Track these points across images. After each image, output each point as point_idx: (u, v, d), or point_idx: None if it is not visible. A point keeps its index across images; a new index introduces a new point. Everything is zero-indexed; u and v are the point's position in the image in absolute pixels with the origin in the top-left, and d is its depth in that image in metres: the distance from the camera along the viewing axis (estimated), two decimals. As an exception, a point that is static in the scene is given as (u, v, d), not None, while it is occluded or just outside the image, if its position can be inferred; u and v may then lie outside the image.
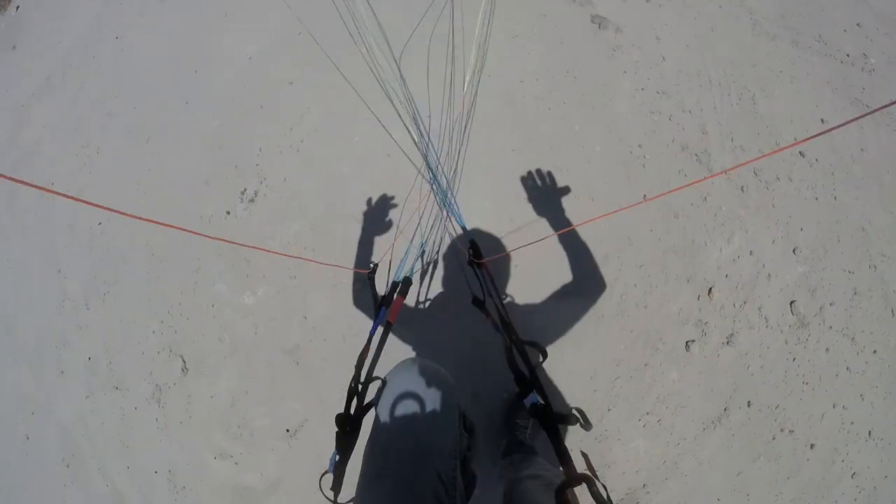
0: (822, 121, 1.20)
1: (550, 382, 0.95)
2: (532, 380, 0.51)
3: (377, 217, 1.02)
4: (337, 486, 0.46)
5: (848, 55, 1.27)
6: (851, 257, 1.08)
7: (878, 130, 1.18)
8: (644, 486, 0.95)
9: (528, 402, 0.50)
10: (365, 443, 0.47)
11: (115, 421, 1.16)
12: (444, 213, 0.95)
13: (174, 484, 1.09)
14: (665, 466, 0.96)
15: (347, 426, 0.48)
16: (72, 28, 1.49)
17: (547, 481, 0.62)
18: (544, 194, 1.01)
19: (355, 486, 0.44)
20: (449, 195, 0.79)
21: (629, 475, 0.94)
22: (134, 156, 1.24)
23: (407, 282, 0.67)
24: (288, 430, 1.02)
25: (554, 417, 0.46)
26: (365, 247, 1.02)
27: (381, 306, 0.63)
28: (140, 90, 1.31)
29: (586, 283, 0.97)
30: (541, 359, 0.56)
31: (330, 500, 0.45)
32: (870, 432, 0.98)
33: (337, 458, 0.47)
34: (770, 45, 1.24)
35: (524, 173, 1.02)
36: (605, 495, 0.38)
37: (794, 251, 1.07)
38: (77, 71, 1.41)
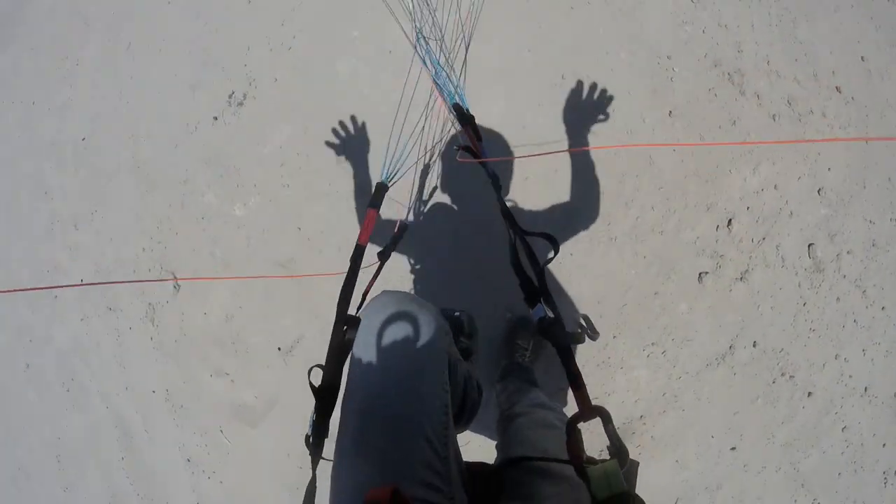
0: (862, 58, 1.05)
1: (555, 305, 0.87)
2: (541, 286, 0.42)
3: (361, 139, 0.88)
4: (317, 451, 0.37)
5: (897, -9, 1.10)
6: (875, 207, 0.98)
7: (921, 75, 1.04)
8: (641, 416, 0.90)
9: (535, 314, 0.41)
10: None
11: (110, 342, 1.11)
12: (437, 97, 0.77)
13: (172, 403, 1.05)
14: (664, 399, 0.90)
15: (324, 382, 0.38)
16: (45, -72, 1.30)
17: (539, 419, 0.56)
18: (581, 110, 0.88)
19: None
20: (453, 87, 0.65)
21: (628, 405, 0.89)
22: (115, 64, 1.11)
23: (380, 189, 0.53)
24: (280, 349, 0.96)
25: (566, 336, 0.37)
26: (360, 168, 0.89)
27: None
28: (118, -8, 1.15)
29: (584, 209, 0.86)
30: (551, 255, 0.46)
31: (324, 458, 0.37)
32: (866, 388, 0.93)
33: (314, 417, 0.38)
34: (818, -36, 1.06)
35: (556, 81, 0.88)
36: (617, 434, 0.31)
37: (818, 191, 0.97)
38: (52, -25, 1.24)
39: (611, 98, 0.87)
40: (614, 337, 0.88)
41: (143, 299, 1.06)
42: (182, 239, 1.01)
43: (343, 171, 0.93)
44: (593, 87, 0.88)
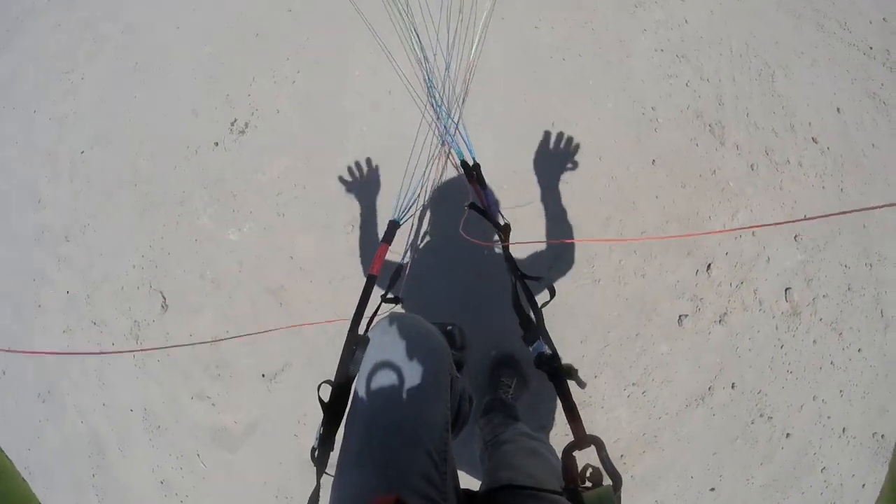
0: (837, 110, 1.13)
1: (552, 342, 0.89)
2: (539, 325, 0.46)
3: (371, 179, 0.93)
4: (322, 464, 0.39)
5: (871, 48, 1.19)
6: (850, 252, 1.03)
7: (893, 129, 1.12)
8: (622, 456, 0.92)
9: (533, 350, 0.45)
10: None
11: (92, 357, 1.10)
12: (447, 148, 0.83)
13: (149, 423, 1.04)
14: (644, 439, 0.92)
15: (334, 397, 0.40)
16: (63, -53, 1.35)
17: (526, 446, 0.57)
18: (553, 159, 0.93)
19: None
20: (455, 129, 0.70)
21: (608, 444, 0.87)
22: (120, 83, 1.14)
23: (392, 226, 0.58)
24: (265, 375, 0.96)
25: (563, 370, 0.40)
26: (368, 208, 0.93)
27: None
28: (128, 14, 1.20)
29: (569, 253, 0.91)
30: (549, 298, 0.50)
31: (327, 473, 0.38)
32: (844, 429, 0.96)
33: (321, 430, 0.40)
34: (794, 23, 1.15)
35: (547, 128, 0.94)
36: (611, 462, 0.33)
37: (795, 238, 1.02)
38: (65, -8, 1.29)
39: (577, 146, 0.92)
40: (596, 377, 0.90)
41: (128, 316, 1.06)
42: (174, 259, 1.02)
43: (338, 205, 0.97)
44: (562, 136, 0.93)
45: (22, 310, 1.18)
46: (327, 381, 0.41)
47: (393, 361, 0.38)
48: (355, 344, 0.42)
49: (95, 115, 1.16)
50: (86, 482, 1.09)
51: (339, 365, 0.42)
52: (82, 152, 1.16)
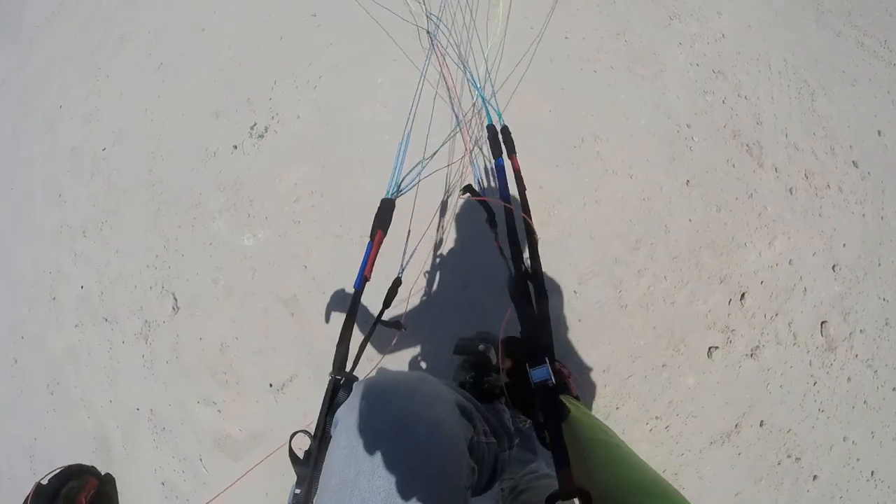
0: (878, 132, 1.05)
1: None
2: (542, 321, 0.35)
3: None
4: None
5: (914, 68, 1.11)
6: (889, 285, 0.95)
7: (938, 154, 1.03)
8: (640, 491, 0.85)
9: (535, 377, 0.34)
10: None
11: (101, 353, 1.08)
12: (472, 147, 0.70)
13: (154, 424, 1.01)
14: (664, 476, 0.85)
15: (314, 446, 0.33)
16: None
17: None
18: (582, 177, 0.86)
19: None
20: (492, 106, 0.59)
21: None
22: (144, 82, 1.13)
23: (387, 207, 0.42)
24: (272, 385, 0.92)
25: (560, 407, 0.32)
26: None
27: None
28: (155, 15, 1.19)
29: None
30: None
31: None
32: (872, 472, 0.87)
33: (297, 492, 0.32)
34: (834, 40, 1.08)
35: (576, 143, 0.86)
36: None
37: (833, 268, 0.94)
38: (96, -9, 1.29)
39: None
40: (617, 408, 0.84)
41: (140, 315, 1.03)
42: (187, 262, 1.00)
43: (354, 215, 0.93)
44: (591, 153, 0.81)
45: (37, 301, 1.17)
46: (304, 432, 0.34)
47: (395, 451, 0.28)
48: (341, 387, 0.35)
49: (118, 114, 1.15)
50: (89, 478, 1.07)
51: (319, 415, 0.34)
52: (104, 149, 1.15)
